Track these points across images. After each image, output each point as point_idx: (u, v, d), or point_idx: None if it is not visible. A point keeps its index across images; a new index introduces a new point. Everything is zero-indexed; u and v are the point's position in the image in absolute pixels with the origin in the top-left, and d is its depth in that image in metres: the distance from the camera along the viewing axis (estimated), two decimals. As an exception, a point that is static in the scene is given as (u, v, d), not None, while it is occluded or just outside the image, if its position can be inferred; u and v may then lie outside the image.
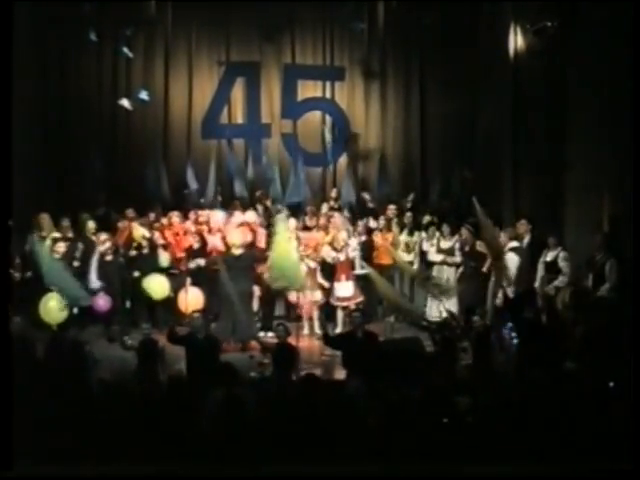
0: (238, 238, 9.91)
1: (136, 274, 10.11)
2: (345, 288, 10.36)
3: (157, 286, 10.05)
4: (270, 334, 10.19)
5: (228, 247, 10.03)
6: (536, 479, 4.64)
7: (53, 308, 9.20)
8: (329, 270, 10.50)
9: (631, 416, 4.90)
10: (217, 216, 10.85)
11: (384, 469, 4.81)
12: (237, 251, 9.80)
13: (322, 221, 11.19)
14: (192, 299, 9.78)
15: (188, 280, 9.93)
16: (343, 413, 5.40)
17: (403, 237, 11.13)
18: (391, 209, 11.49)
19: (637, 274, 7.87)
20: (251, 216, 10.92)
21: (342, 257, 10.42)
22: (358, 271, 10.50)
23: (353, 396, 5.87)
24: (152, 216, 11.13)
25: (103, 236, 10.17)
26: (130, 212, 11.14)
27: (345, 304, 10.33)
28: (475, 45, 12.80)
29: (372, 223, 11.39)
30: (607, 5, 9.11)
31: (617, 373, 5.66)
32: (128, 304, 10.31)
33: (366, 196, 12.46)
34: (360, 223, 11.20)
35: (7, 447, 4.53)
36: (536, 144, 11.09)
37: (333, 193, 12.57)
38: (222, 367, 6.26)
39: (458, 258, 10.40)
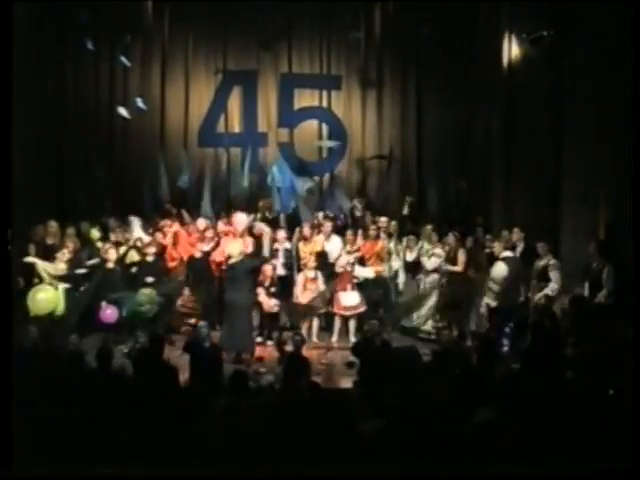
0: (235, 248, 9.85)
1: (149, 279, 9.95)
2: (351, 297, 10.40)
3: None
4: (270, 343, 10.16)
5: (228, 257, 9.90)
6: (536, 479, 4.65)
7: (42, 299, 9.11)
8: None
9: (631, 416, 4.92)
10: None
11: (383, 471, 4.82)
12: (232, 261, 9.70)
13: (325, 229, 11.13)
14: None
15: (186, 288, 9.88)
16: (346, 420, 5.41)
17: (392, 245, 11.07)
18: (382, 221, 11.43)
19: (637, 280, 7.91)
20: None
21: (349, 267, 10.47)
22: (361, 274, 10.52)
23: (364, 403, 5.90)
24: (148, 223, 11.13)
25: (107, 245, 10.20)
26: (112, 221, 11.12)
27: (351, 313, 10.39)
28: (472, 54, 12.88)
29: (369, 231, 11.39)
30: (604, 13, 9.18)
31: (617, 375, 5.68)
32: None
33: (357, 204, 12.43)
34: (350, 232, 11.15)
35: (7, 447, 4.53)
36: (532, 152, 11.15)
37: (328, 202, 12.54)
38: (231, 376, 6.28)
39: (445, 266, 10.40)
